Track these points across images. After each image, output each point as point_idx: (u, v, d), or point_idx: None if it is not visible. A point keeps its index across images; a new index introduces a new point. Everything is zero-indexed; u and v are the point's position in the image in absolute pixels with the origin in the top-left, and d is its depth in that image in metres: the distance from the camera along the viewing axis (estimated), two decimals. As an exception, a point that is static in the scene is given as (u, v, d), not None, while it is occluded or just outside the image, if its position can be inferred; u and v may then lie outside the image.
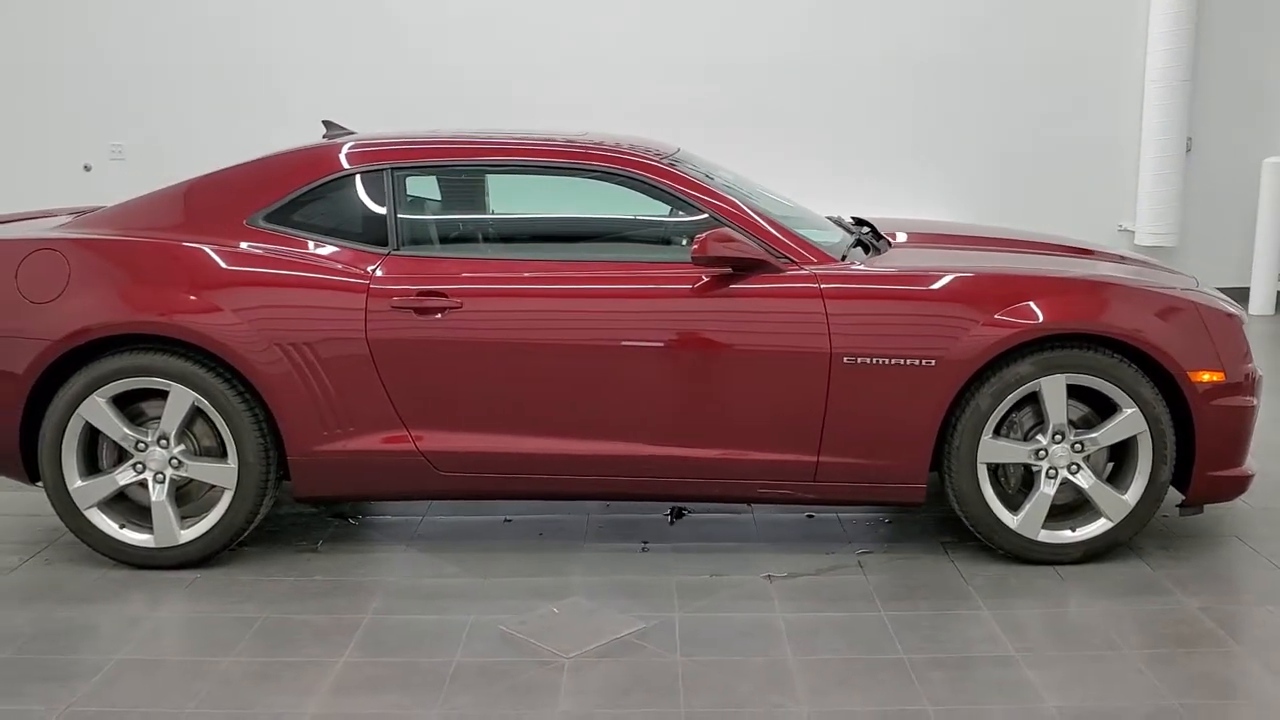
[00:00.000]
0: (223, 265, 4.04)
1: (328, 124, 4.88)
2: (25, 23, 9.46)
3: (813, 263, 4.08)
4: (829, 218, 4.95)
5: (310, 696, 3.22)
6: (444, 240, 4.33)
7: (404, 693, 3.24)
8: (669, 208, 4.25)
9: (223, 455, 4.06)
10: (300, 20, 9.44)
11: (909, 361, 3.96)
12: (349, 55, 9.45)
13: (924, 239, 4.94)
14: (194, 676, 3.33)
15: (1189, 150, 9.52)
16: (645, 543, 4.38)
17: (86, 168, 9.53)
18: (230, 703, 3.19)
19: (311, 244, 4.09)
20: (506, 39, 9.44)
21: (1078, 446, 4.06)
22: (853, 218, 5.18)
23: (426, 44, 9.45)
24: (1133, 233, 9.58)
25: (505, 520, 4.60)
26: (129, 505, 4.15)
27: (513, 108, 9.22)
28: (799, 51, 9.51)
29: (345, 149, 4.28)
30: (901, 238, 4.81)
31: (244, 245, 4.08)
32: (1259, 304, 9.40)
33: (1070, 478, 4.08)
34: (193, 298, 3.95)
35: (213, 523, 4.06)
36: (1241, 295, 9.07)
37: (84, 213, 4.78)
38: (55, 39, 9.47)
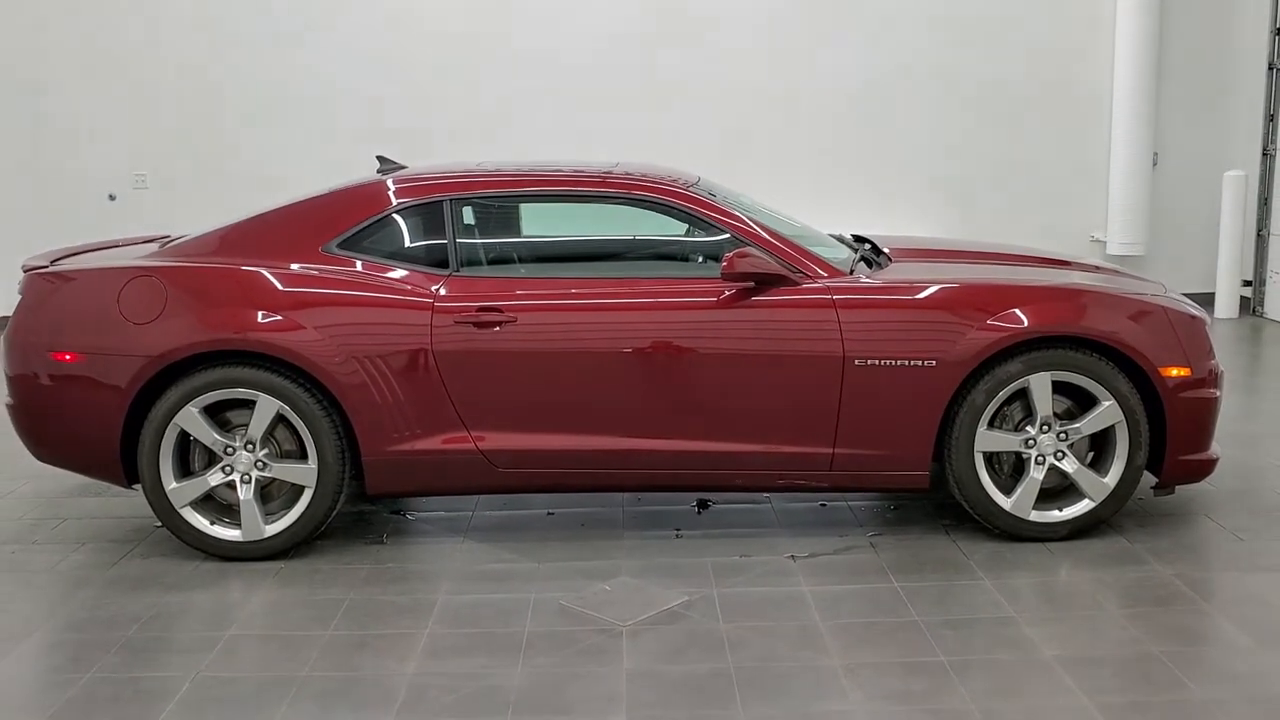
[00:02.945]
0: (304, 288, 4.52)
1: (381, 159, 5.36)
2: (52, 56, 9.88)
3: (825, 277, 4.59)
4: (831, 235, 5.47)
5: (407, 661, 3.70)
6: (498, 262, 4.83)
7: (489, 656, 3.72)
8: (695, 229, 4.76)
9: (303, 457, 4.53)
10: (312, 52, 9.90)
11: (912, 363, 4.48)
12: (363, 85, 9.92)
13: (918, 254, 5.44)
14: (301, 647, 3.81)
15: (1155, 165, 10.11)
16: (678, 530, 4.87)
17: (111, 197, 9.95)
18: (339, 667, 3.66)
19: (381, 267, 4.58)
20: (514, 70, 9.96)
21: (1062, 436, 4.58)
22: (853, 235, 5.70)
23: (429, 75, 9.94)
24: (1104, 243, 10.13)
25: (549, 514, 5.09)
26: (215, 504, 4.61)
27: (515, 135, 9.74)
28: (784, 78, 10.05)
29: (408, 182, 4.78)
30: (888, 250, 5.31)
31: (321, 269, 4.57)
32: (1223, 308, 9.97)
33: (1056, 464, 4.59)
34: (278, 317, 4.43)
35: (295, 518, 4.53)
36: (1207, 300, 9.64)
37: (155, 240, 5.26)
38: (80, 72, 9.90)
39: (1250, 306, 10.24)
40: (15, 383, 4.61)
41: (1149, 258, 9.98)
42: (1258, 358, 8.64)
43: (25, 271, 4.67)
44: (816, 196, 9.26)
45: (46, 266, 4.68)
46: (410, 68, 9.94)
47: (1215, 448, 4.74)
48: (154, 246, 5.00)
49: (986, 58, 10.09)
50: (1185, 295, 5.07)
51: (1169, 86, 10.07)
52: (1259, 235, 10.21)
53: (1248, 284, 10.23)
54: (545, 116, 9.91)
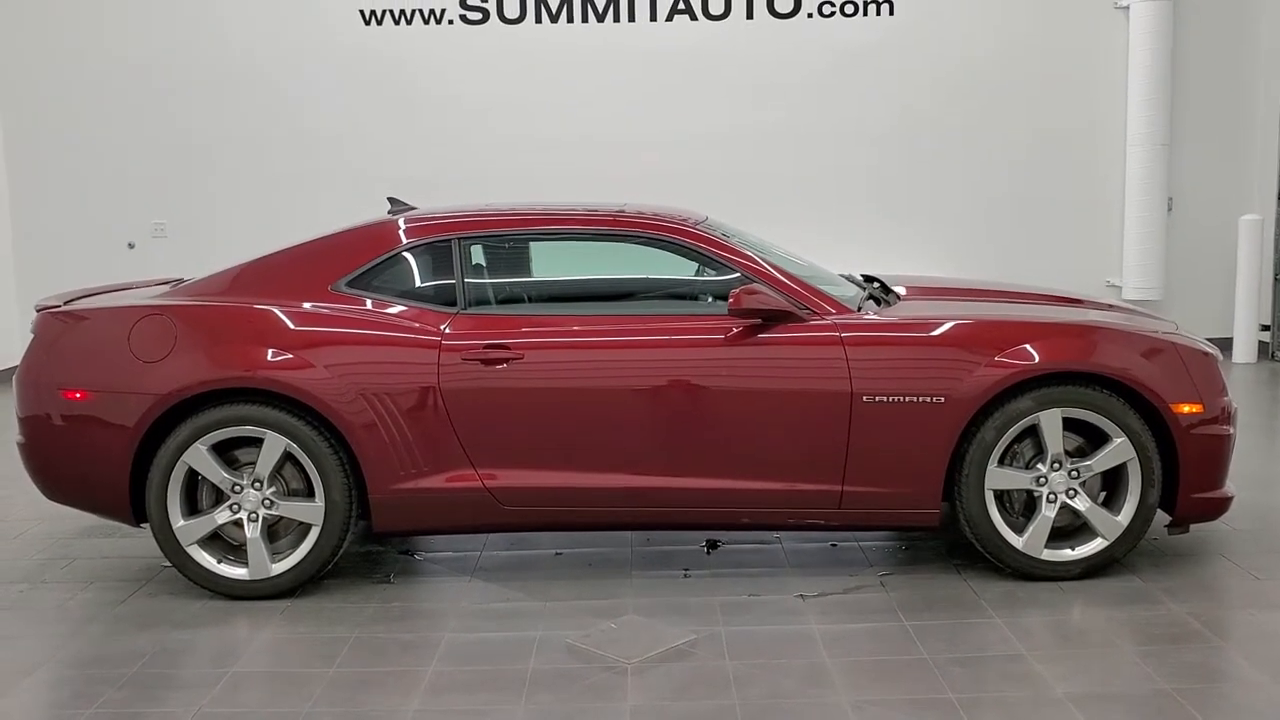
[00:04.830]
0: (313, 326, 4.55)
1: (392, 200, 5.42)
2: (74, 108, 10.07)
3: (832, 314, 4.59)
4: (841, 274, 5.47)
5: (411, 697, 3.67)
6: (505, 300, 4.85)
7: (492, 692, 3.69)
8: (703, 267, 4.77)
9: (310, 495, 4.53)
10: (328, 101, 10.06)
11: (921, 399, 4.45)
12: (374, 134, 10.07)
13: (927, 292, 5.43)
14: (304, 684, 3.79)
15: (1170, 209, 10.10)
16: (686, 569, 4.84)
17: (131, 245, 10.07)
18: (342, 704, 3.64)
19: (389, 306, 4.61)
20: (527, 118, 10.08)
21: (1074, 473, 4.54)
22: (862, 275, 5.70)
23: (445, 122, 10.08)
24: (1120, 288, 10.11)
25: (556, 554, 5.06)
26: (223, 543, 4.62)
27: (528, 180, 9.80)
28: (799, 121, 10.12)
29: (417, 222, 4.82)
30: (902, 291, 5.29)
31: (331, 308, 4.59)
32: (1242, 352, 9.90)
33: (1068, 502, 4.55)
34: (288, 355, 4.45)
35: (302, 556, 4.53)
36: (1225, 345, 9.55)
37: (168, 283, 5.30)
38: (101, 122, 10.08)
39: (1269, 351, 10.16)
40: (26, 422, 4.64)
41: (1166, 302, 9.93)
42: (1276, 400, 8.56)
43: (38, 311, 4.72)
44: (829, 238, 9.27)
45: (59, 306, 4.72)
46: (421, 117, 10.07)
47: (1230, 486, 4.69)
48: (167, 288, 5.04)
49: (1000, 106, 10.14)
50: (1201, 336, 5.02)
51: (1183, 132, 10.08)
52: (1276, 280, 10.16)
53: (1265, 328, 10.16)
54: (554, 161, 9.98)
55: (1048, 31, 10.11)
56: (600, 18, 10.03)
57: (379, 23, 10.02)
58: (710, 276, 4.77)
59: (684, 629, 4.18)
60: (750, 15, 10.05)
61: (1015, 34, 10.10)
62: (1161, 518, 4.71)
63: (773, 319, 4.50)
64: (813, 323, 4.54)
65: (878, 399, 4.46)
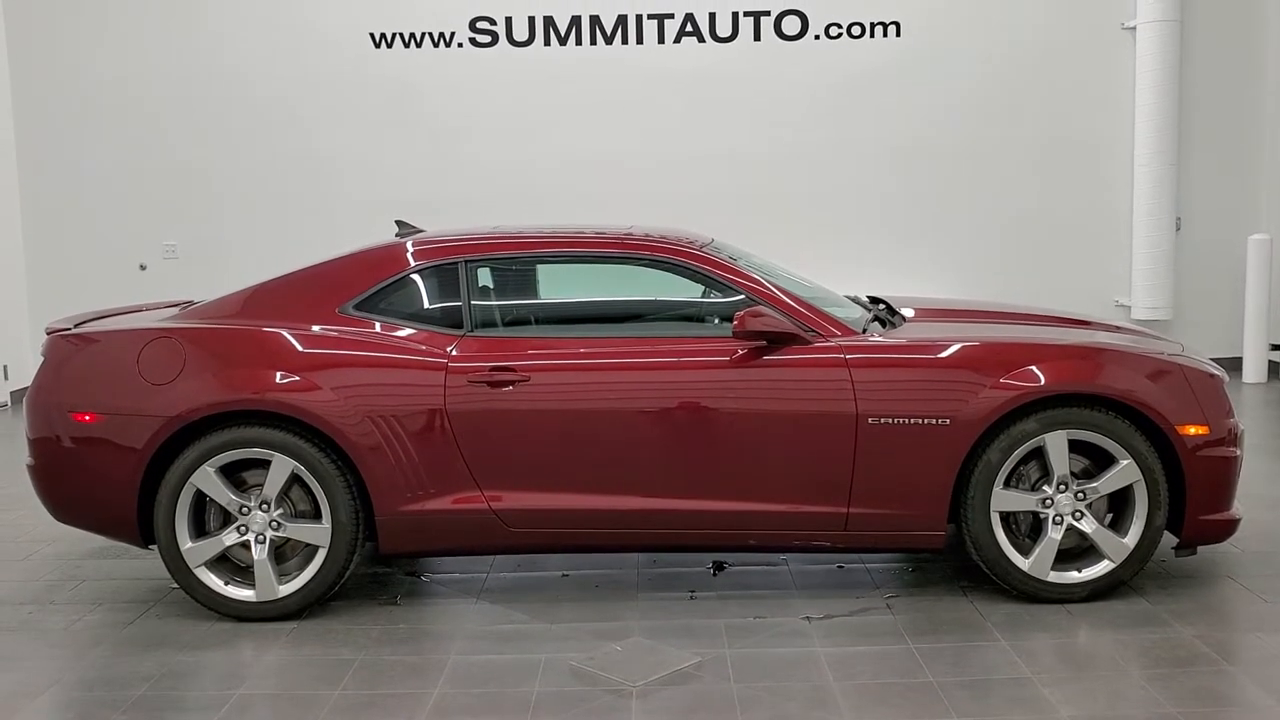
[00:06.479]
0: (320, 348, 4.58)
1: (400, 223, 5.46)
2: (86, 131, 10.15)
3: (838, 335, 4.60)
4: (847, 296, 5.49)
5: (415, 720, 3.69)
6: (512, 322, 4.88)
7: (497, 715, 3.69)
8: (708, 289, 4.79)
9: (317, 517, 4.55)
10: (338, 123, 10.13)
11: (926, 421, 4.46)
12: (383, 156, 10.13)
13: (934, 313, 5.44)
14: (310, 706, 3.80)
15: (1179, 229, 10.09)
16: (692, 591, 4.84)
17: (142, 267, 10.14)
18: (346, 726, 3.65)
19: (397, 328, 4.64)
20: (535, 140, 10.13)
21: (1080, 495, 4.53)
22: (868, 296, 5.72)
23: (454, 144, 10.14)
24: (1129, 308, 10.10)
25: (563, 575, 5.07)
26: (230, 564, 4.63)
27: (538, 202, 9.85)
28: (807, 142, 10.16)
29: (424, 245, 4.85)
30: (909, 312, 5.32)
31: (338, 330, 4.62)
32: (1252, 372, 9.87)
33: (1074, 524, 4.54)
34: (295, 378, 4.48)
35: (309, 578, 4.54)
36: (1235, 365, 9.55)
37: (177, 305, 5.34)
38: (112, 145, 10.16)
39: (1279, 371, 10.13)
40: (36, 444, 4.67)
41: (1175, 322, 9.93)
42: (1287, 421, 8.54)
43: (48, 334, 4.76)
44: (837, 259, 9.33)
45: (69, 329, 4.76)
46: (430, 139, 10.13)
47: (1237, 508, 4.67)
48: (177, 310, 5.07)
49: (1007, 126, 10.16)
50: (1212, 359, 5.01)
51: (1191, 151, 10.09)
52: (1286, 299, 10.14)
53: (1275, 348, 10.13)
54: (562, 183, 10.03)
55: (1055, 52, 10.13)
56: (609, 40, 10.09)
57: (389, 45, 10.09)
58: (716, 298, 4.79)
59: (689, 651, 4.18)
60: (758, 37, 10.11)
61: (1022, 54, 10.12)
62: (1169, 540, 4.71)
63: (777, 341, 4.52)
64: (817, 344, 4.55)
65: (883, 421, 4.46)
